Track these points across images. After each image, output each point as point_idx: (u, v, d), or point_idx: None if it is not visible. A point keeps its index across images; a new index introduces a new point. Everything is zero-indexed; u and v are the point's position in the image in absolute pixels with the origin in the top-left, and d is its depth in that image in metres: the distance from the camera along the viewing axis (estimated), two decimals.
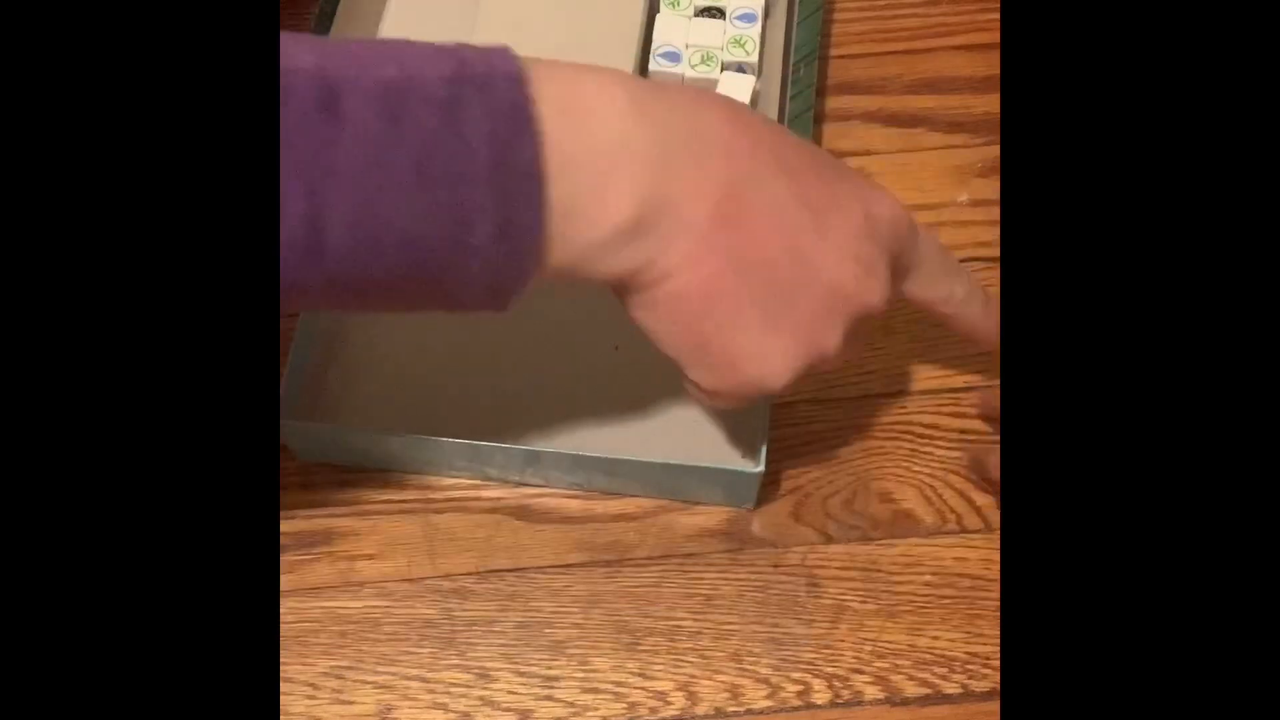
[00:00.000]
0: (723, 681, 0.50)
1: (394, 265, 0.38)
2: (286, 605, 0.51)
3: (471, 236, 0.38)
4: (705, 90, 0.44)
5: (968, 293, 0.49)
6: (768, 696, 0.50)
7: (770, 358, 0.43)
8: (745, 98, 0.60)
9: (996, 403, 0.54)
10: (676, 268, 0.41)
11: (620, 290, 0.43)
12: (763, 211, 0.42)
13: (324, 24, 0.60)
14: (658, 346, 0.44)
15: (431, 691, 0.50)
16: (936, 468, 0.54)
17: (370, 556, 0.53)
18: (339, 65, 0.37)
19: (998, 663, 0.50)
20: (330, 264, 0.37)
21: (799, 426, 0.55)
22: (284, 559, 0.52)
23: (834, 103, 0.63)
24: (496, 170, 0.37)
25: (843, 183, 0.44)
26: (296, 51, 0.37)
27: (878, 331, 0.57)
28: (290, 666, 0.50)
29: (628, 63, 0.60)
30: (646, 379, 0.56)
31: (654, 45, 0.62)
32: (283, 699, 0.50)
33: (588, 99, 0.40)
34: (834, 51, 0.65)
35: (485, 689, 0.50)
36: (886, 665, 0.50)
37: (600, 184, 0.40)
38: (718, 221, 0.41)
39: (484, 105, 0.38)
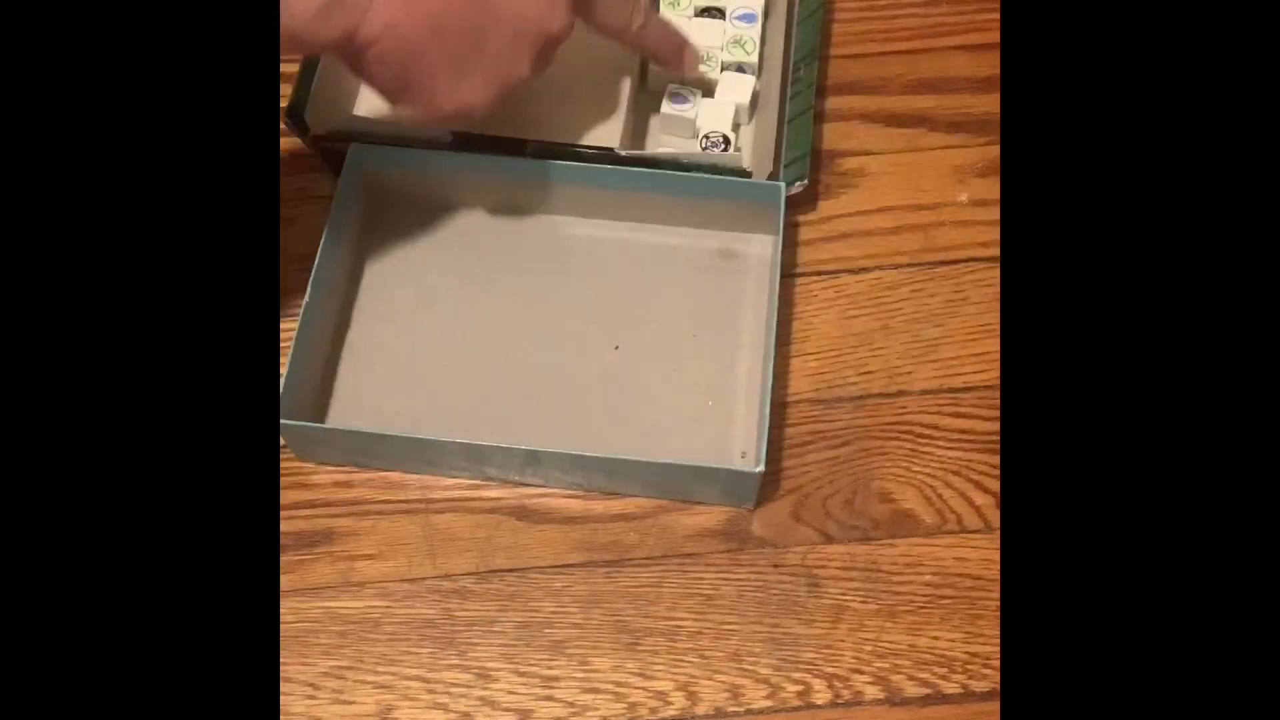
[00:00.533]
0: (723, 681, 0.50)
1: None
2: (286, 605, 0.51)
3: None
4: None
5: (646, 19, 0.56)
6: (768, 696, 0.50)
7: (464, 93, 0.51)
8: (745, 98, 0.60)
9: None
10: (379, 35, 0.48)
11: (338, 55, 0.49)
12: None
13: None
14: (369, 87, 0.51)
15: (431, 691, 0.50)
16: (936, 468, 0.54)
17: (370, 556, 0.53)
18: None
19: (998, 663, 0.50)
20: None
21: (799, 426, 0.55)
22: (284, 559, 0.52)
23: (834, 103, 0.63)
24: None
25: None
26: None
27: (878, 332, 0.57)
28: (290, 666, 0.50)
29: (628, 63, 0.60)
30: (646, 379, 0.56)
31: None
32: (283, 699, 0.50)
33: None
34: (834, 51, 0.65)
35: (485, 689, 0.50)
36: (886, 665, 0.50)
37: None
38: None
39: None
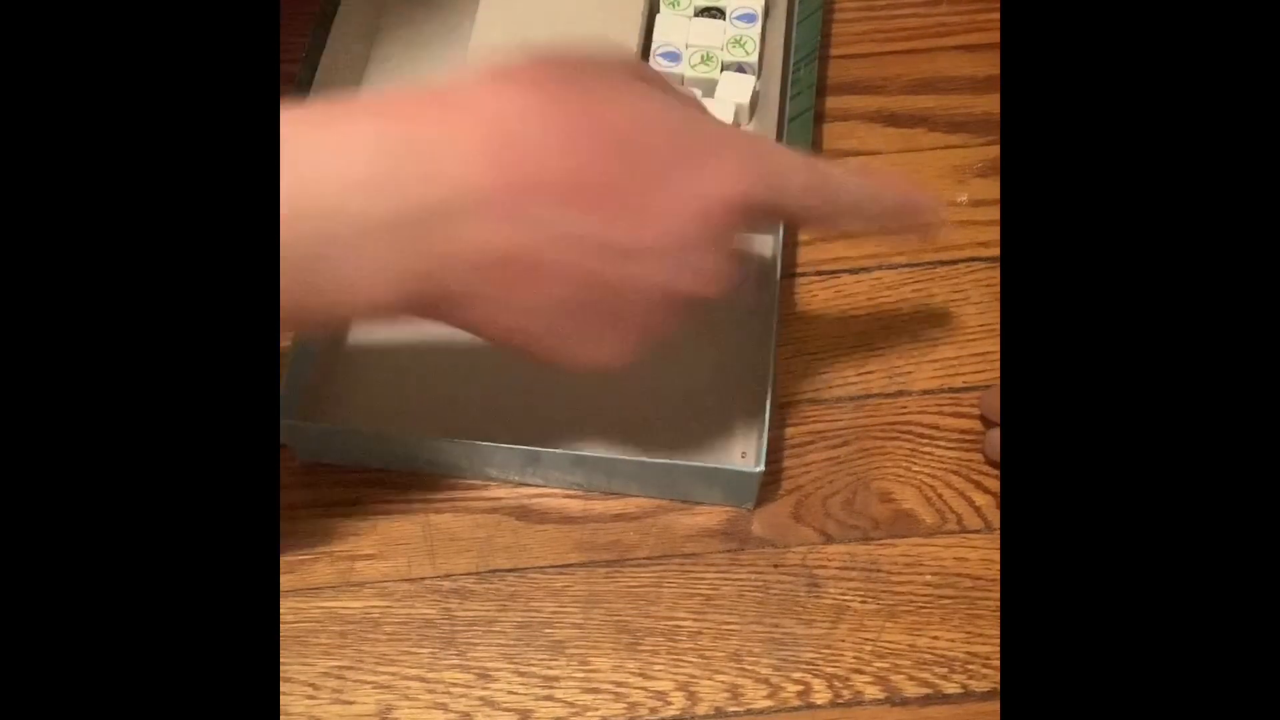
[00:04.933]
0: (723, 681, 0.50)
1: None
2: (286, 605, 0.51)
3: None
4: (457, 109, 0.40)
5: (860, 202, 0.47)
6: (768, 696, 0.50)
7: (597, 358, 0.44)
8: (745, 98, 0.60)
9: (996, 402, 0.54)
10: (472, 323, 0.42)
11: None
12: (552, 254, 0.40)
13: (324, 24, 0.60)
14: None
15: (431, 691, 0.50)
16: (936, 468, 0.54)
17: (370, 556, 0.53)
18: None
19: (998, 663, 0.50)
20: None
21: (799, 426, 0.55)
22: (284, 559, 0.52)
23: (834, 103, 0.63)
24: None
25: (669, 187, 0.41)
26: None
27: (878, 332, 0.57)
28: (290, 666, 0.50)
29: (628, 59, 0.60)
30: (646, 379, 0.56)
31: (654, 45, 0.62)
32: (283, 699, 0.50)
33: (323, 158, 0.38)
34: (834, 51, 0.65)
35: (485, 689, 0.50)
36: (886, 665, 0.50)
37: (345, 267, 0.38)
38: (507, 283, 0.40)
39: None
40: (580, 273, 0.40)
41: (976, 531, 0.53)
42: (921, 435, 0.55)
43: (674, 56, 0.62)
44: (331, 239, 0.38)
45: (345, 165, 0.38)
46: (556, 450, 0.51)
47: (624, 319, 0.42)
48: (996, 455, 0.53)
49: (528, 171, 0.39)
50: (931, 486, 0.54)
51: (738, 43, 0.62)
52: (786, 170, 0.45)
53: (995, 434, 0.53)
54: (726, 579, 0.52)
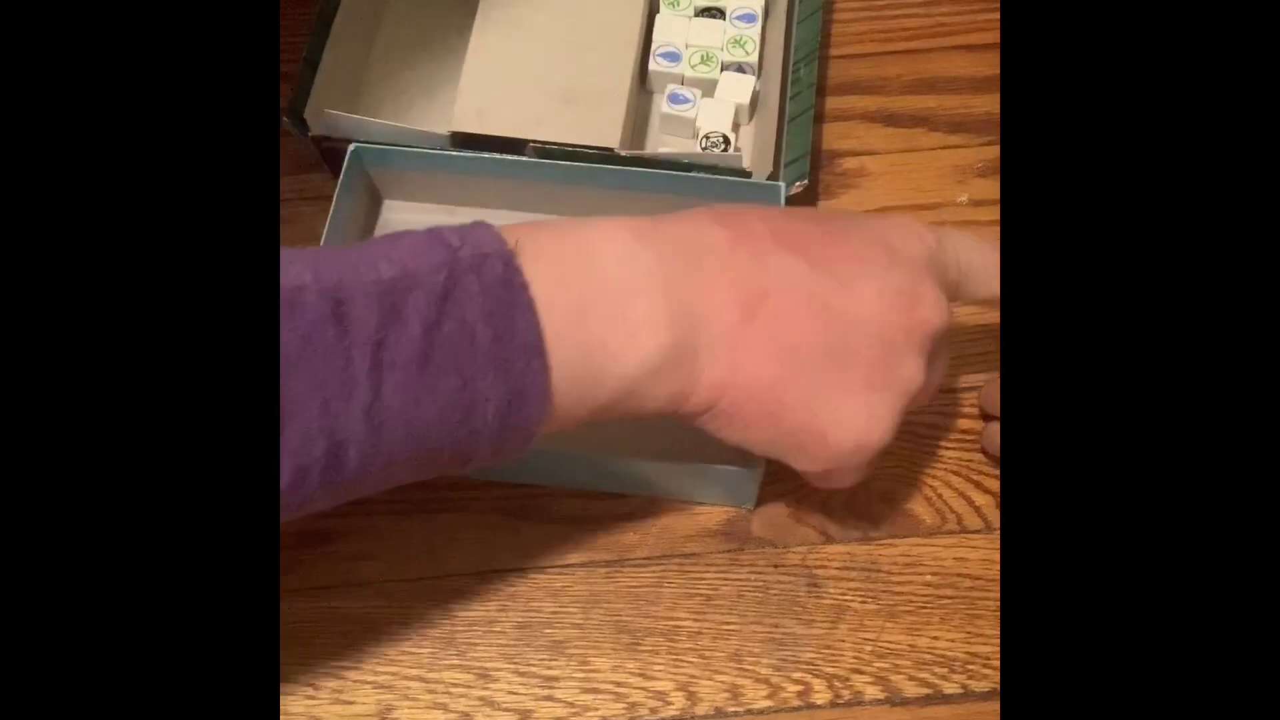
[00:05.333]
0: (723, 681, 0.50)
1: (405, 458, 0.39)
2: (286, 605, 0.51)
3: (478, 418, 0.38)
4: (693, 210, 0.44)
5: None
6: (768, 696, 0.50)
7: (856, 417, 0.43)
8: (745, 98, 0.60)
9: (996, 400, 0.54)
10: (724, 379, 0.42)
11: (683, 417, 0.43)
12: (784, 292, 0.42)
13: (324, 24, 0.60)
14: (753, 452, 0.45)
15: (431, 691, 0.50)
16: (936, 468, 0.54)
17: (370, 556, 0.53)
18: (336, 273, 0.37)
19: (998, 663, 0.50)
20: (348, 476, 0.38)
21: None
22: (284, 559, 0.52)
23: (834, 103, 0.63)
24: (497, 346, 0.38)
25: (852, 230, 0.44)
26: (292, 269, 0.37)
27: None
28: (290, 666, 0.50)
29: (628, 63, 0.60)
30: None
31: (654, 45, 0.62)
32: (283, 699, 0.50)
33: (586, 245, 0.41)
34: (834, 51, 0.65)
35: (485, 689, 0.50)
36: (886, 665, 0.50)
37: (620, 320, 0.40)
38: (745, 319, 0.41)
39: (479, 285, 0.38)
40: (808, 300, 0.42)
41: (976, 531, 0.53)
42: (921, 435, 0.55)
43: (674, 56, 0.62)
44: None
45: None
46: (557, 450, 0.51)
47: (859, 362, 0.42)
48: (995, 449, 0.53)
49: (749, 223, 0.43)
50: (931, 486, 0.54)
51: (738, 43, 0.62)
52: (956, 238, 0.47)
53: (993, 428, 0.53)
54: (726, 579, 0.52)
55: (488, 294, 0.38)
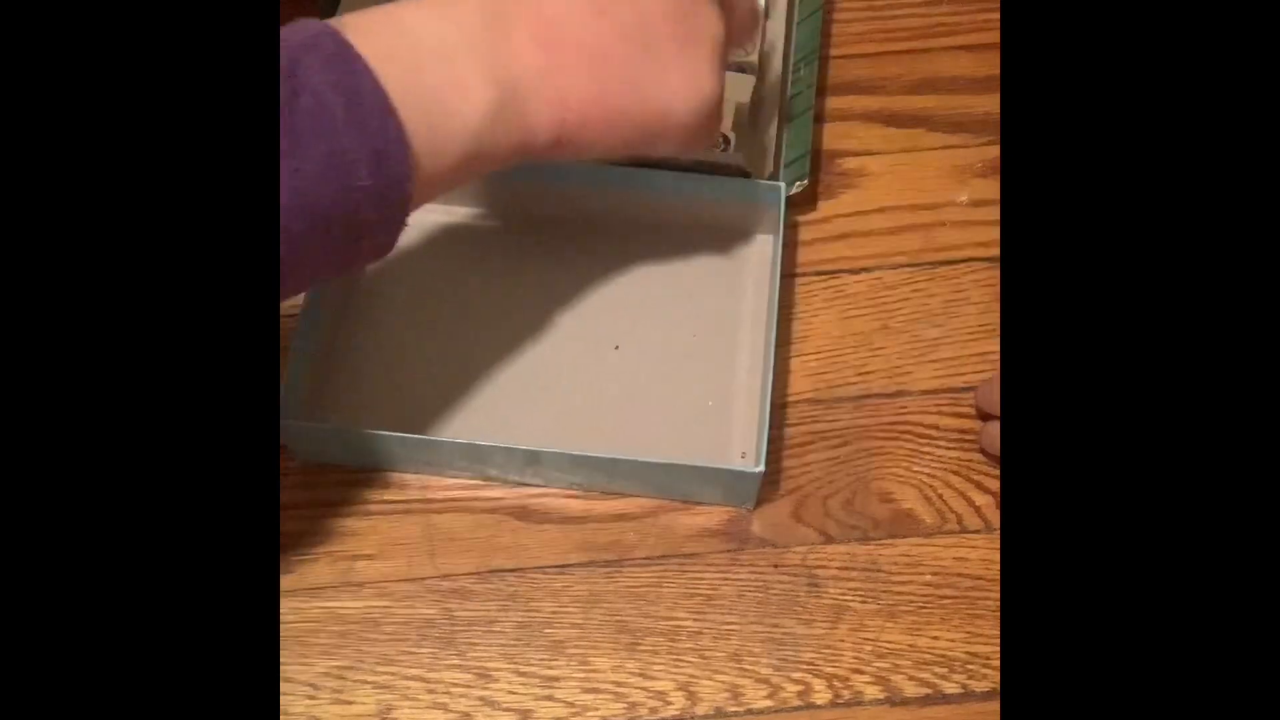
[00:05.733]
0: (723, 681, 0.50)
1: (299, 228, 0.40)
2: (286, 605, 0.51)
3: (352, 176, 0.40)
4: None
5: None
6: (768, 696, 0.50)
7: (683, 84, 0.47)
8: (745, 98, 0.60)
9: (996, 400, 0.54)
10: (557, 114, 0.45)
11: (539, 156, 0.46)
12: (568, 16, 0.45)
13: None
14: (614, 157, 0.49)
15: (431, 691, 0.50)
16: (936, 468, 0.54)
17: (370, 556, 0.53)
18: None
19: (998, 663, 0.50)
20: None
21: (799, 426, 0.55)
22: (284, 559, 0.52)
23: (834, 103, 0.63)
24: (351, 111, 0.40)
25: None
26: None
27: (877, 332, 0.57)
28: (290, 666, 0.50)
29: None
30: (646, 379, 0.56)
31: None
32: (283, 699, 0.50)
33: (402, 21, 0.43)
34: (834, 51, 0.65)
35: (485, 689, 0.50)
36: (886, 665, 0.50)
37: (449, 81, 0.43)
38: (548, 54, 0.45)
39: (319, 61, 0.40)
40: (588, 9, 0.45)
41: (976, 531, 0.53)
42: (921, 435, 0.55)
43: None
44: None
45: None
46: (556, 450, 0.51)
47: (668, 53, 0.46)
48: (994, 448, 0.53)
49: None
50: (931, 486, 0.54)
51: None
52: None
53: (992, 427, 0.53)
54: (726, 579, 0.52)
55: (329, 67, 0.40)
